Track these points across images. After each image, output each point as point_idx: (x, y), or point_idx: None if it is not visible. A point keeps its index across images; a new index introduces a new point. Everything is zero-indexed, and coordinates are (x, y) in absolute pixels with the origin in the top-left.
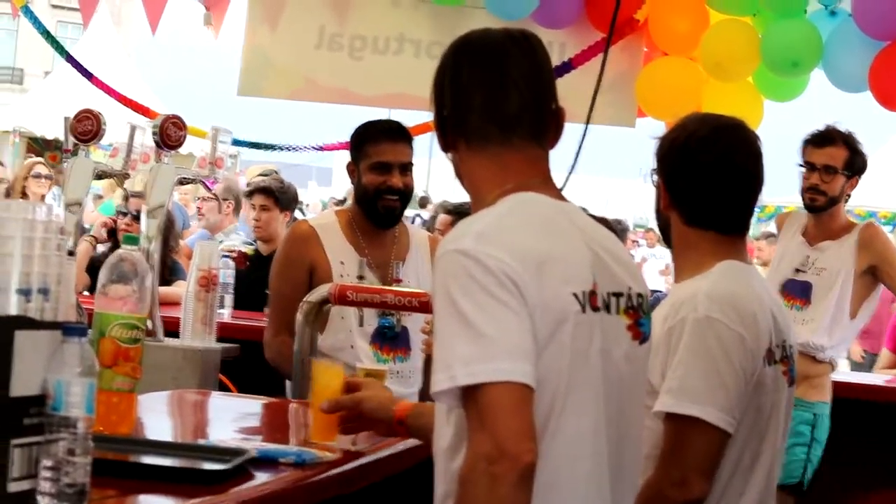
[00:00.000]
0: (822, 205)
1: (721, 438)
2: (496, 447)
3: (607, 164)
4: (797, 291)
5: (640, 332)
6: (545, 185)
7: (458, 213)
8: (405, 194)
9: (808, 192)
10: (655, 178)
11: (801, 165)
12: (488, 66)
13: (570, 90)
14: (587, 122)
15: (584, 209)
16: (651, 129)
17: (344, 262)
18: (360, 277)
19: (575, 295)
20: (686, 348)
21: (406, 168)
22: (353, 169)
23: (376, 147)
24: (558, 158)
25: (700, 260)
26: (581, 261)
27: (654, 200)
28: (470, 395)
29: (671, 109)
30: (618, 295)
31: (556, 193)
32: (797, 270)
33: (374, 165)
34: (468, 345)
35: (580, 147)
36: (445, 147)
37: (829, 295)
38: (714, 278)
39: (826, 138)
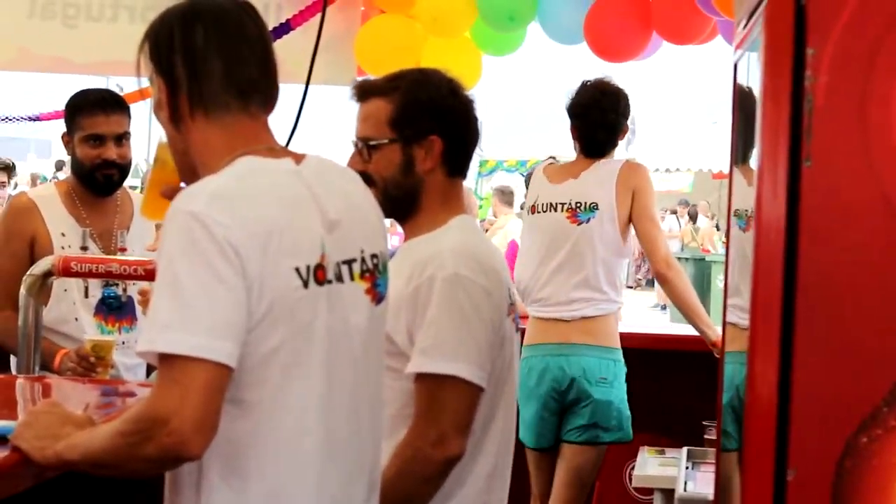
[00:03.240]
0: None
1: (475, 394)
2: (169, 413)
3: (329, 125)
4: None
5: (377, 293)
6: (277, 150)
7: None
8: (122, 166)
9: None
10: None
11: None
12: (225, 31)
13: (290, 51)
14: (307, 83)
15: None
16: None
17: (65, 233)
18: (84, 248)
19: (297, 270)
20: (437, 307)
21: (121, 139)
22: (67, 140)
23: (89, 119)
24: (282, 121)
25: (434, 215)
26: (310, 232)
27: (399, 165)
28: (165, 361)
29: (391, 67)
30: (350, 262)
31: (293, 156)
32: None
33: (87, 137)
34: (172, 312)
35: (301, 107)
36: (178, 118)
37: None
38: (455, 234)
39: None
